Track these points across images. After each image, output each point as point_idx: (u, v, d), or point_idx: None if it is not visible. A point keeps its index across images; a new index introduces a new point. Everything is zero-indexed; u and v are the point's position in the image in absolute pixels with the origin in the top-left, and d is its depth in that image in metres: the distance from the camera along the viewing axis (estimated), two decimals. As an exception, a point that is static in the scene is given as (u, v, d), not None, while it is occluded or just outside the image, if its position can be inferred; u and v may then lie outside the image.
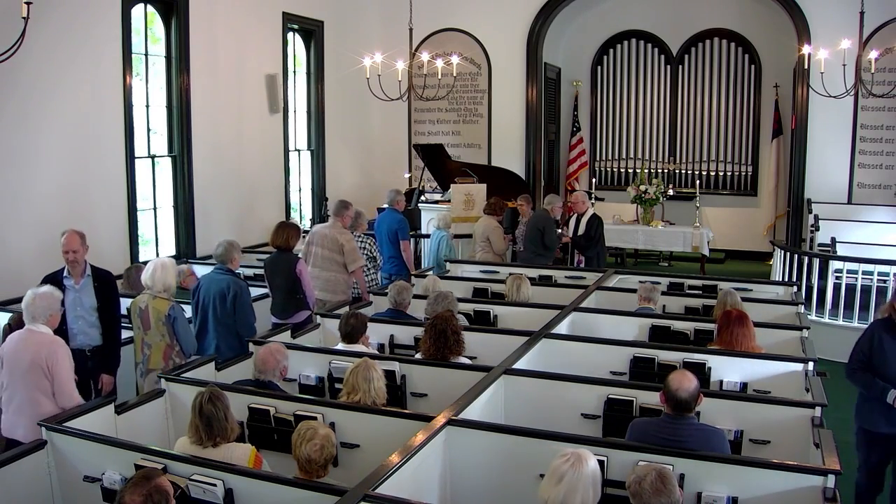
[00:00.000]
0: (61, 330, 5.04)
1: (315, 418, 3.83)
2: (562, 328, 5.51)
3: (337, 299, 6.81)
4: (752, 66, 13.10)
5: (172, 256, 8.74)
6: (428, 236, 9.68)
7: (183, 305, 5.46)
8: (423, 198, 10.86)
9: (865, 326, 7.86)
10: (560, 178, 14.20)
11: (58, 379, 4.19)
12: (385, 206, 8.74)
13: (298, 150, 11.38)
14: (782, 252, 9.25)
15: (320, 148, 11.73)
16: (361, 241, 7.53)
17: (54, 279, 5.21)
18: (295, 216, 11.08)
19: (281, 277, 6.37)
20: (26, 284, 6.27)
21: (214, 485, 3.18)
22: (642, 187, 11.82)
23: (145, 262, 7.56)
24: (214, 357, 4.89)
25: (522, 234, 8.78)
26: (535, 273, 7.43)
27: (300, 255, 6.66)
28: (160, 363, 5.08)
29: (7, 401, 4.31)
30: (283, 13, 10.59)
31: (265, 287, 6.68)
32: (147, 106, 8.53)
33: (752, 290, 6.78)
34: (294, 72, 11.15)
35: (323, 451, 3.33)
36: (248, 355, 4.93)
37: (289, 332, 5.46)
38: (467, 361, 4.75)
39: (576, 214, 8.89)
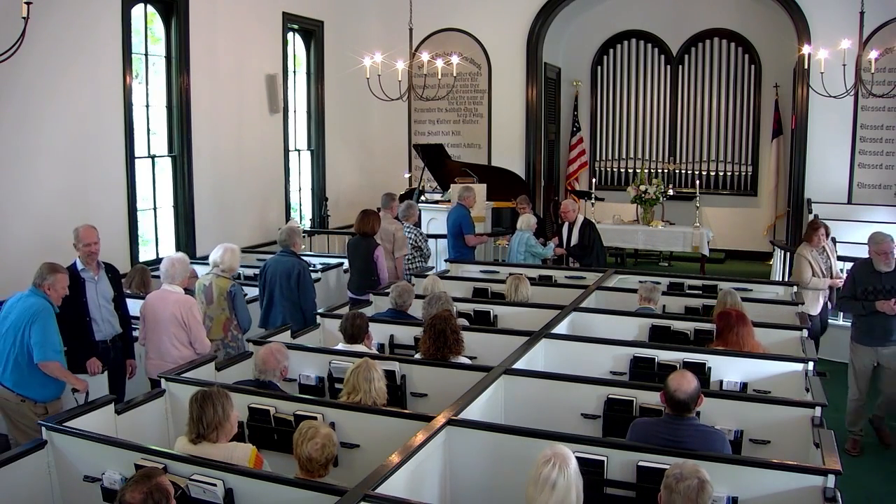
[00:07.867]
0: (86, 322, 5.22)
1: (315, 418, 3.83)
2: (562, 328, 5.51)
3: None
4: (752, 66, 13.11)
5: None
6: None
7: (245, 288, 6.09)
8: (423, 198, 10.86)
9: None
10: (560, 178, 14.21)
11: (193, 329, 5.16)
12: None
13: (298, 150, 11.38)
14: (782, 252, 9.24)
15: (320, 148, 11.72)
16: (410, 231, 8.12)
17: (71, 274, 5.20)
18: (295, 216, 11.06)
19: (360, 259, 7.21)
20: (26, 284, 6.26)
21: (214, 485, 3.19)
22: (642, 187, 11.82)
23: (147, 263, 7.63)
24: (214, 357, 4.96)
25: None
26: (535, 273, 7.44)
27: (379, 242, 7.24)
28: (220, 333, 5.64)
29: (151, 348, 5.22)
30: (283, 13, 10.58)
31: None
32: (147, 106, 8.52)
33: (752, 290, 6.79)
34: (294, 72, 11.15)
35: (324, 451, 3.33)
36: (249, 355, 4.94)
37: (289, 332, 5.48)
38: (467, 361, 4.75)
39: (567, 223, 8.72)
